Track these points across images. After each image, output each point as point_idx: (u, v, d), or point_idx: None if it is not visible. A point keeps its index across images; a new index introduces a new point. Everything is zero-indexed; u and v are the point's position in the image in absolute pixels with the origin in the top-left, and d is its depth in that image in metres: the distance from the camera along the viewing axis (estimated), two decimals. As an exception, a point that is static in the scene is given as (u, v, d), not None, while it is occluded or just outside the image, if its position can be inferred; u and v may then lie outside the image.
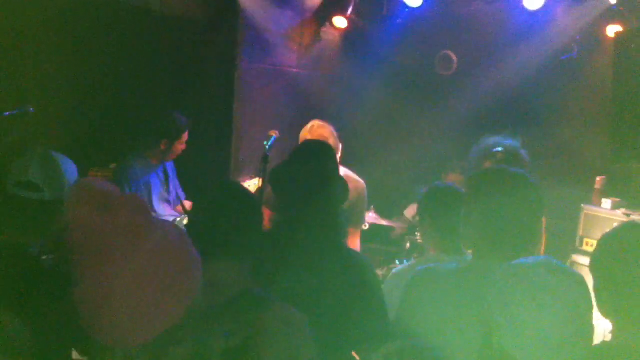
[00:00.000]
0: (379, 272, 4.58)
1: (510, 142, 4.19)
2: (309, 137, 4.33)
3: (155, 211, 4.60)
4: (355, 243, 4.39)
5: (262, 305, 1.90)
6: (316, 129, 4.34)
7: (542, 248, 4.09)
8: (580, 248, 5.04)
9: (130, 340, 1.43)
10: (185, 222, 4.79)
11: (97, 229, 1.43)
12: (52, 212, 2.27)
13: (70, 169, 2.35)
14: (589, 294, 1.65)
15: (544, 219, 4.06)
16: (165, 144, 4.56)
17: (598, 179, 5.17)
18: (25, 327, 1.75)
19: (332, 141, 4.20)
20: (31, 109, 3.68)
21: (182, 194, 4.99)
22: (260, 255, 2.12)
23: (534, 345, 1.58)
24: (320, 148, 2.73)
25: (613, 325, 1.88)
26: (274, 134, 4.44)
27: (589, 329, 1.63)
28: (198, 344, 1.53)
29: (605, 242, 1.91)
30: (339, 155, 4.27)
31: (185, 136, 4.65)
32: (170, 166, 4.85)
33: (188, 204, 4.87)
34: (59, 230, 2.31)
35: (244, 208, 2.03)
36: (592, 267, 1.93)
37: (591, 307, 1.64)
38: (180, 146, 4.66)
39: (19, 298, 2.02)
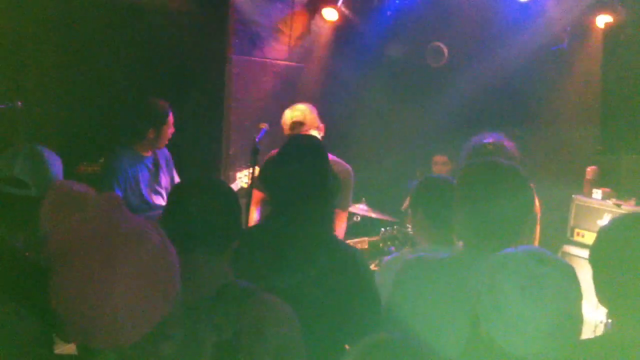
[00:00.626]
0: (371, 265, 4.59)
1: (499, 138, 4.20)
2: (288, 113, 4.44)
3: (147, 202, 4.56)
4: (341, 225, 4.47)
5: (249, 297, 1.89)
6: (295, 106, 4.51)
7: (537, 239, 4.10)
8: (572, 238, 5.06)
9: (118, 340, 1.42)
10: None
11: (72, 232, 1.42)
12: (38, 208, 2.26)
13: (56, 164, 2.33)
14: (579, 284, 1.65)
15: (538, 211, 4.10)
16: (152, 132, 4.50)
17: (589, 169, 5.19)
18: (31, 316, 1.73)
19: (310, 117, 4.33)
20: (19, 103, 3.65)
21: (177, 178, 4.91)
22: (241, 248, 2.11)
23: (521, 335, 1.57)
24: (311, 143, 2.72)
25: (611, 316, 1.89)
26: (264, 126, 4.45)
27: (578, 320, 1.63)
28: (188, 339, 1.53)
29: (606, 233, 1.92)
30: (321, 134, 4.39)
31: (170, 119, 4.56)
32: (163, 155, 4.79)
33: None
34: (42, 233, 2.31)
35: (219, 200, 2.01)
36: (592, 258, 1.94)
37: (580, 298, 1.64)
38: (169, 130, 4.57)
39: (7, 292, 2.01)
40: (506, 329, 1.59)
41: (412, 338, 1.64)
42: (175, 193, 2.09)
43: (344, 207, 4.51)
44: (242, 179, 5.01)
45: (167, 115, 4.52)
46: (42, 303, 2.00)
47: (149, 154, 4.61)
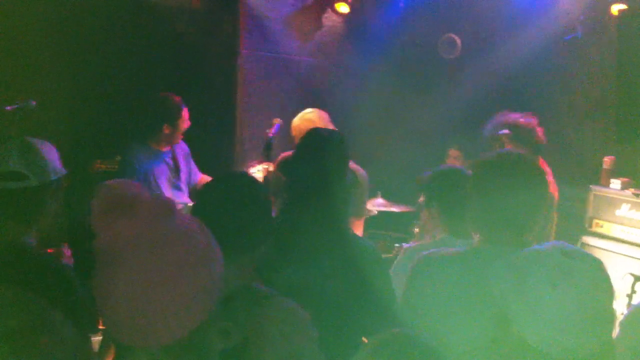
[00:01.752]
0: (387, 256, 4.56)
1: (526, 120, 4.20)
2: (297, 122, 4.33)
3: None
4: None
5: (261, 303, 1.85)
6: (305, 114, 4.37)
7: (553, 229, 4.06)
8: (590, 229, 5.01)
9: (160, 340, 1.42)
10: None
11: (122, 234, 1.41)
12: (41, 197, 2.24)
13: (51, 152, 2.31)
14: (608, 277, 1.62)
15: (555, 201, 4.07)
16: (167, 127, 4.49)
17: (606, 159, 5.13)
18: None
19: (320, 124, 4.18)
20: (33, 102, 3.64)
21: (196, 175, 4.91)
22: (266, 247, 2.08)
23: (553, 331, 1.54)
24: (332, 136, 2.70)
25: None
26: (278, 121, 4.43)
27: (610, 314, 1.60)
28: (195, 344, 1.51)
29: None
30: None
31: (185, 113, 4.55)
32: (181, 150, 4.78)
33: (205, 179, 4.83)
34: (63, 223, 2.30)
35: (250, 202, 1.98)
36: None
37: (611, 291, 1.61)
38: (184, 124, 4.56)
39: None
40: (539, 327, 1.56)
41: (425, 335, 1.62)
42: (202, 192, 2.06)
43: (360, 214, 4.32)
44: (257, 173, 4.99)
45: (181, 110, 4.51)
46: (59, 300, 2.01)
47: (166, 148, 4.60)
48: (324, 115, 4.35)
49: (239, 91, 5.95)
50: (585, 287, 1.55)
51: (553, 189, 4.19)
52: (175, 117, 4.49)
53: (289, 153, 4.27)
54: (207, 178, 4.88)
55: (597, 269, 1.61)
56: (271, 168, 4.45)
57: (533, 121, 4.25)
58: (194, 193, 4.72)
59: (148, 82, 5.34)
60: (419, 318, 2.28)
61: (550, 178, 4.18)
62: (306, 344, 1.88)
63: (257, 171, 4.87)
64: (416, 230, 5.11)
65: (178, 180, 4.66)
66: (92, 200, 1.48)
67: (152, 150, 4.52)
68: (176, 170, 4.66)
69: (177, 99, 4.53)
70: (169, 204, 1.51)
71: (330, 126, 4.27)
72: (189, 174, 4.80)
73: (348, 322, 2.41)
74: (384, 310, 2.47)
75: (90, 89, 5.22)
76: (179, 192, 4.65)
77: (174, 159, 4.66)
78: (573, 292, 1.54)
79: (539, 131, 4.23)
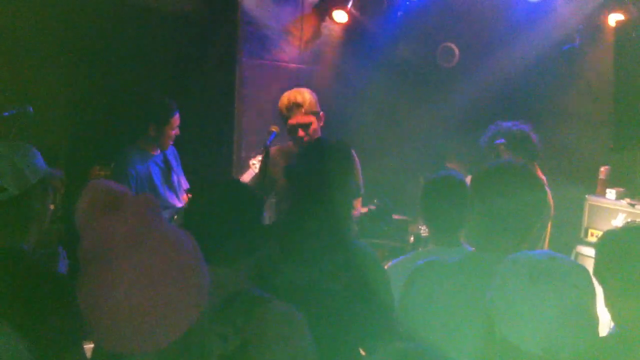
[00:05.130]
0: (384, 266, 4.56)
1: (519, 128, 4.23)
2: (286, 95, 4.14)
3: (163, 199, 4.52)
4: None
5: (258, 307, 1.85)
6: (295, 88, 4.19)
7: (547, 237, 4.07)
8: (585, 239, 5.02)
9: (145, 346, 1.41)
10: None
11: (106, 233, 1.40)
12: (26, 203, 2.20)
13: (27, 155, 2.24)
14: (592, 282, 1.63)
15: (551, 211, 4.08)
16: (153, 129, 4.46)
17: (602, 169, 5.15)
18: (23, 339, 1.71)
19: (310, 99, 4.04)
20: (30, 108, 3.65)
21: (185, 184, 4.89)
22: (261, 253, 2.09)
23: (532, 329, 1.55)
24: (338, 143, 2.72)
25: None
26: (275, 129, 4.42)
27: (593, 320, 1.61)
28: (194, 349, 1.51)
29: (606, 245, 1.93)
30: (321, 124, 4.14)
31: (175, 120, 4.50)
32: (172, 153, 4.77)
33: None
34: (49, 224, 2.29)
35: (243, 208, 1.99)
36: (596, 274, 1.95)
37: (594, 296, 1.62)
38: (172, 131, 4.51)
39: (20, 305, 1.99)
40: (517, 324, 1.57)
41: (427, 348, 1.62)
42: (195, 199, 2.06)
43: (357, 194, 4.31)
44: (255, 164, 4.95)
45: (170, 114, 4.47)
46: (51, 306, 2.01)
47: (157, 152, 4.59)
48: (314, 94, 4.16)
49: (237, 99, 5.96)
50: (565, 287, 1.56)
51: (550, 200, 4.20)
52: (162, 120, 4.45)
53: (283, 146, 4.26)
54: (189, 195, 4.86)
55: (581, 272, 1.62)
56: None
57: (526, 128, 4.28)
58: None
59: (147, 89, 5.35)
60: (414, 327, 2.29)
61: (546, 187, 4.20)
62: (303, 347, 1.89)
63: (256, 162, 4.84)
64: (412, 239, 5.12)
65: (171, 183, 4.66)
66: (79, 201, 1.47)
67: (145, 153, 4.51)
68: (168, 172, 4.64)
69: (170, 103, 4.51)
70: (154, 203, 1.50)
71: (318, 107, 4.12)
72: (179, 179, 4.79)
73: (347, 325, 2.43)
74: (383, 314, 2.48)
75: (88, 95, 5.23)
76: (172, 195, 4.65)
77: (166, 161, 4.65)
78: (550, 288, 1.56)
79: (534, 138, 4.26)
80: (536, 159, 4.26)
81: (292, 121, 4.00)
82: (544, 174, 4.24)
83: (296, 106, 4.01)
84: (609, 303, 1.95)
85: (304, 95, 4.05)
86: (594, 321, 1.61)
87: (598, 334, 1.66)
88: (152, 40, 5.48)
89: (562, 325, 1.54)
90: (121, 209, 1.43)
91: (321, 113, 4.11)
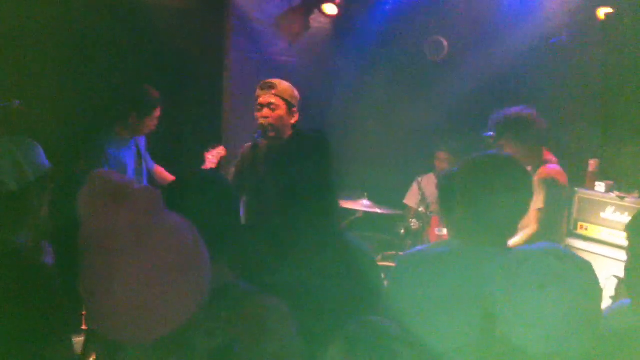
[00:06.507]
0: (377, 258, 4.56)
1: (523, 111, 4.24)
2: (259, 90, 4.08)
3: None
4: None
5: (244, 301, 1.83)
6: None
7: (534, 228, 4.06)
8: (575, 231, 5.03)
9: (142, 336, 1.41)
10: None
11: (111, 222, 1.40)
12: (25, 199, 2.21)
13: (28, 152, 2.25)
14: (598, 282, 1.62)
15: (542, 203, 4.09)
16: (133, 117, 4.46)
17: (591, 162, 5.16)
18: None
19: (284, 86, 4.01)
20: (17, 102, 3.61)
21: (150, 163, 4.91)
22: (242, 247, 2.07)
23: (540, 333, 1.54)
24: (316, 137, 2.70)
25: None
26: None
27: (598, 316, 1.60)
28: (180, 345, 1.49)
29: None
30: (292, 121, 4.04)
31: (156, 112, 4.52)
32: (142, 140, 4.77)
33: (160, 169, 4.92)
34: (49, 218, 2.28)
35: (218, 200, 1.96)
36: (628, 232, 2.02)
37: (600, 294, 1.61)
38: (151, 122, 4.53)
39: (11, 297, 1.98)
40: (523, 328, 1.56)
41: (398, 326, 1.64)
42: (171, 189, 2.02)
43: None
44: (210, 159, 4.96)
45: (153, 106, 4.49)
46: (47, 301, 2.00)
47: (130, 137, 4.58)
48: (294, 89, 4.10)
49: (226, 92, 5.94)
50: (574, 291, 1.55)
51: (563, 178, 4.22)
52: (144, 110, 4.47)
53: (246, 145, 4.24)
54: (160, 168, 4.95)
55: (588, 272, 1.60)
56: (223, 153, 4.60)
57: (532, 112, 4.30)
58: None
59: (134, 82, 5.31)
60: (400, 318, 2.28)
61: (557, 167, 4.22)
62: (290, 340, 1.87)
63: (211, 157, 4.85)
64: (402, 231, 5.12)
65: (141, 168, 4.67)
66: (82, 189, 1.46)
67: (120, 138, 4.51)
68: (139, 157, 4.65)
69: (155, 94, 4.52)
70: (157, 194, 1.50)
71: (294, 98, 4.05)
72: (145, 161, 4.81)
73: (337, 319, 2.41)
74: (374, 307, 2.47)
75: (76, 88, 5.18)
76: (143, 180, 4.65)
77: (137, 146, 4.66)
78: (561, 294, 1.54)
79: (540, 122, 4.28)
80: (544, 143, 4.30)
81: (261, 99, 3.97)
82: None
83: (268, 86, 4.00)
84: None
85: (281, 82, 4.05)
86: (600, 320, 1.61)
87: (600, 331, 1.65)
88: (141, 33, 5.44)
89: (570, 328, 1.53)
90: (126, 200, 1.42)
91: (295, 109, 4.04)
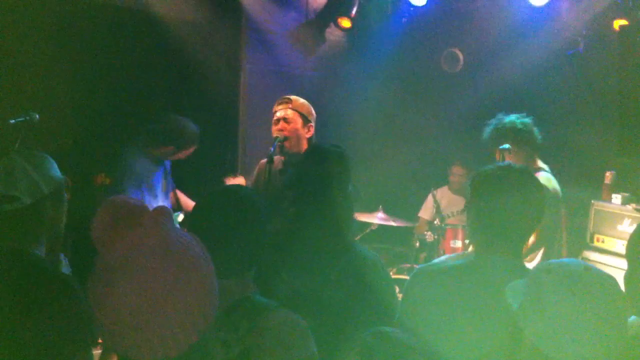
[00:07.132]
0: (390, 271, 4.57)
1: (522, 121, 4.26)
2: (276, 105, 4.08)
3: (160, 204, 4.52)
4: None
5: (261, 314, 1.83)
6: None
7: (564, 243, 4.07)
8: (591, 244, 5.00)
9: (158, 355, 1.42)
10: (180, 219, 4.76)
11: (133, 247, 1.42)
12: (39, 212, 2.22)
13: (42, 165, 2.26)
14: (624, 293, 1.65)
15: (563, 216, 4.09)
16: (172, 149, 4.47)
17: (607, 174, 5.13)
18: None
19: (301, 103, 4.00)
20: (37, 116, 3.65)
21: (172, 185, 4.90)
22: (264, 258, 2.08)
23: (571, 342, 1.54)
24: (334, 149, 2.72)
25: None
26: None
27: (624, 325, 1.61)
28: (196, 355, 1.51)
29: None
30: (307, 135, 4.00)
31: (192, 148, 4.54)
32: (168, 162, 4.78)
33: (180, 195, 4.89)
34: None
35: (247, 215, 1.96)
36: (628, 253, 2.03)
37: (626, 307, 1.63)
38: (184, 155, 4.54)
39: (31, 308, 2.00)
40: (554, 335, 1.56)
41: (411, 337, 1.64)
42: (201, 207, 2.04)
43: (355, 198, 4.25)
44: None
45: (192, 145, 4.51)
46: (64, 311, 2.02)
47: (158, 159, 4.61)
48: (311, 106, 4.07)
49: (241, 105, 5.98)
50: (603, 299, 1.56)
51: (555, 186, 4.23)
52: (183, 147, 4.48)
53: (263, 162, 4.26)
54: (179, 193, 4.91)
55: (612, 282, 1.63)
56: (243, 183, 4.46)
57: (529, 121, 4.34)
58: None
59: (151, 96, 5.37)
60: (416, 329, 2.28)
61: (549, 175, 4.24)
62: (306, 355, 1.87)
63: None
64: (417, 244, 5.12)
65: (168, 189, 4.68)
66: (95, 216, 1.48)
67: (152, 157, 4.51)
68: (166, 177, 4.67)
69: (195, 131, 4.52)
70: (169, 213, 1.51)
71: (310, 116, 4.03)
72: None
73: (348, 331, 2.42)
74: (386, 319, 2.47)
75: (93, 101, 5.24)
76: (167, 201, 4.67)
77: (165, 169, 4.68)
78: (591, 302, 1.55)
79: (534, 129, 4.32)
80: (539, 150, 4.32)
81: (278, 114, 4.00)
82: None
83: (285, 101, 4.01)
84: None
85: (298, 97, 4.06)
86: (626, 328, 1.62)
87: (626, 342, 1.65)
88: (157, 46, 5.49)
89: (598, 336, 1.54)
90: (143, 223, 1.44)
91: (311, 124, 4.02)
